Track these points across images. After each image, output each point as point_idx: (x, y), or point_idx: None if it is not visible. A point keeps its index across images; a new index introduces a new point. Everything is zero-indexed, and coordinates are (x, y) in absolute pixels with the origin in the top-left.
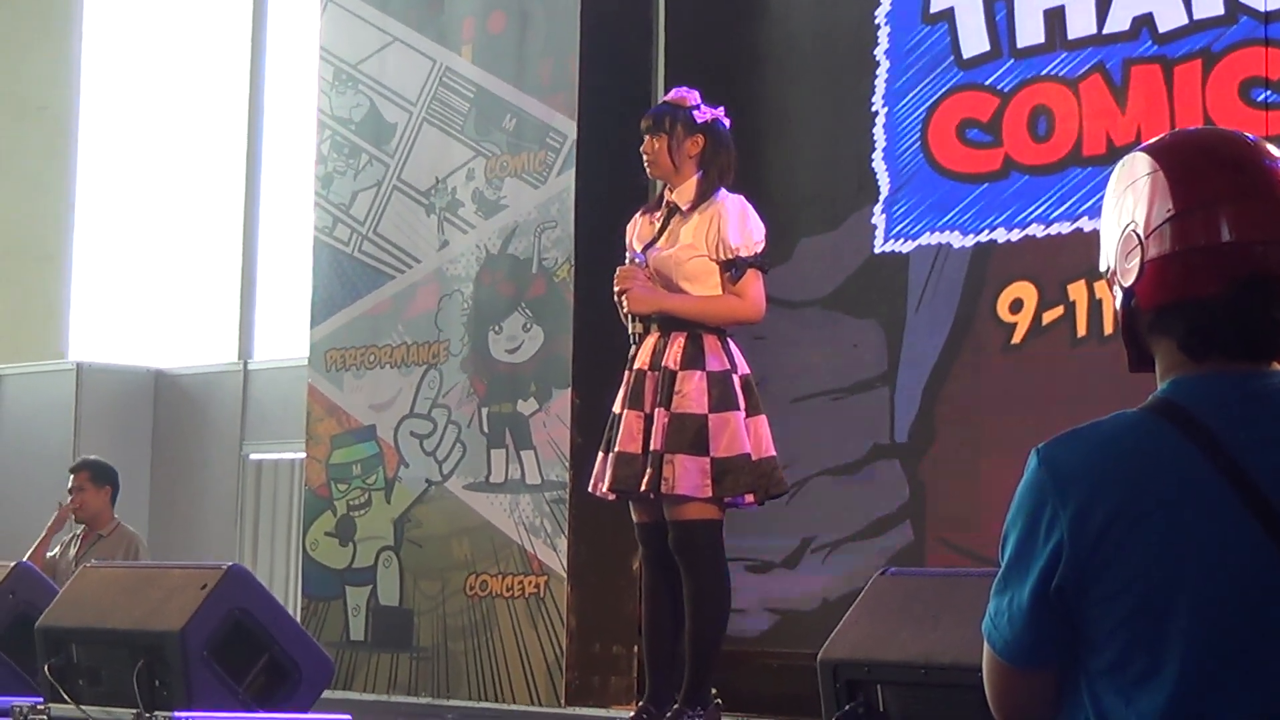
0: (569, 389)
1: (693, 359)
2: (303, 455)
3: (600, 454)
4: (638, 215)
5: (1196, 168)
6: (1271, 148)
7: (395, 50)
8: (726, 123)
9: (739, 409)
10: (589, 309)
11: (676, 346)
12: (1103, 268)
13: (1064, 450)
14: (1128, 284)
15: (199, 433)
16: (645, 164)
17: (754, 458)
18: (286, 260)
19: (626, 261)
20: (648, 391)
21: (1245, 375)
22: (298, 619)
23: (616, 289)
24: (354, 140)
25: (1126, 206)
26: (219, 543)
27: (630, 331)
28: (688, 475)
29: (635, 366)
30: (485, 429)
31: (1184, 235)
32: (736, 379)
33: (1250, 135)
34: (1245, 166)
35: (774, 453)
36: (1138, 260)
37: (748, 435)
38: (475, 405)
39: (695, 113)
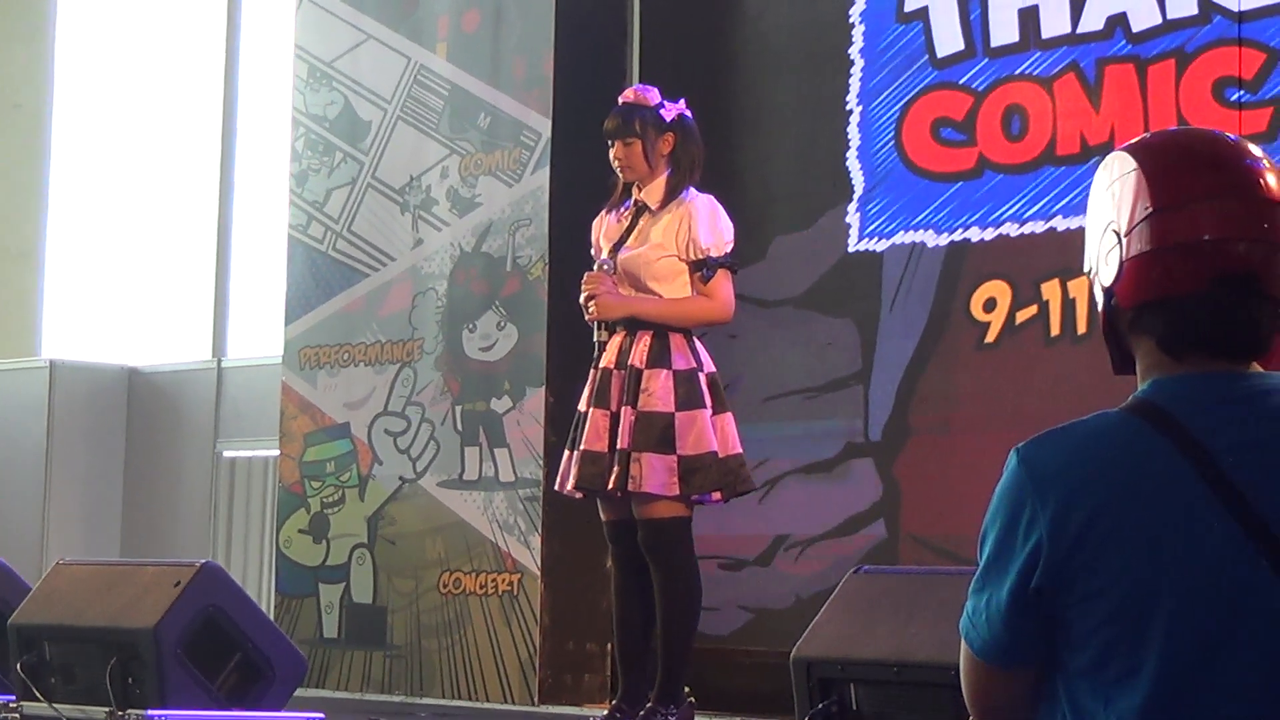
0: (543, 387)
1: (659, 357)
2: (276, 453)
3: (566, 452)
4: (603, 213)
5: (1175, 166)
6: (1251, 147)
7: (370, 48)
8: (690, 115)
9: (705, 407)
10: (563, 307)
11: (642, 345)
12: (1085, 268)
13: (1044, 450)
14: (1108, 283)
15: (173, 430)
16: (617, 169)
17: (721, 455)
18: (261, 258)
19: (593, 261)
20: (614, 390)
21: (1226, 376)
22: (271, 616)
23: (583, 295)
24: (328, 138)
25: (1107, 206)
26: (192, 540)
27: (596, 339)
28: (655, 473)
29: (601, 365)
30: (459, 427)
31: (1163, 233)
32: (702, 377)
33: (1230, 135)
34: (1224, 165)
35: (740, 450)
36: (1117, 259)
37: (714, 433)
38: (449, 403)
39: (661, 111)
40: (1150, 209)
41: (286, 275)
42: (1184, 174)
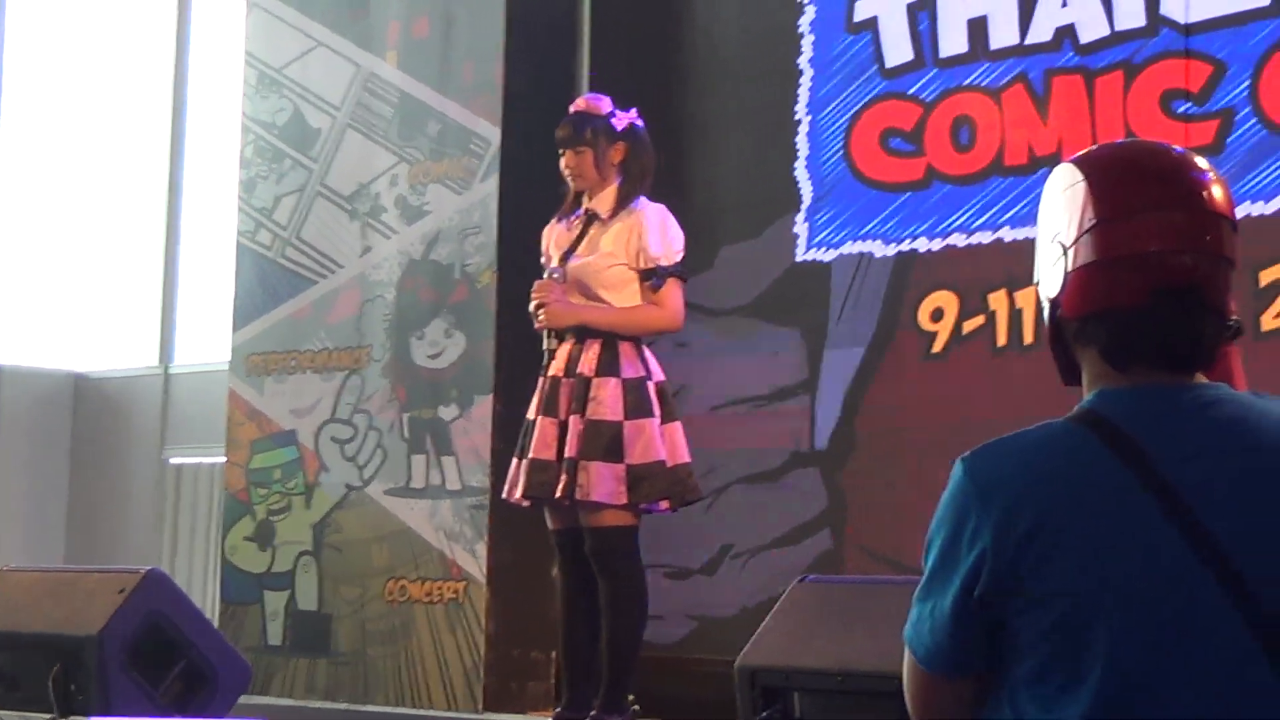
0: (490, 395)
1: (608, 366)
2: (223, 459)
3: (514, 460)
4: (553, 222)
5: (1120, 178)
6: (1198, 159)
7: (319, 55)
8: (641, 124)
9: (654, 416)
10: (511, 315)
11: (591, 353)
12: (1034, 279)
13: (989, 460)
14: (1053, 294)
15: (119, 436)
16: (568, 178)
17: (669, 464)
18: (208, 264)
19: (543, 270)
20: (562, 398)
21: (1171, 388)
22: (216, 623)
23: (533, 303)
24: (277, 145)
25: (1053, 217)
26: (138, 546)
27: (545, 347)
28: (603, 482)
29: (550, 373)
30: (406, 434)
31: (1107, 245)
32: (651, 386)
33: (1177, 147)
34: (1169, 177)
35: (689, 459)
36: (1062, 270)
37: (663, 442)
38: (396, 411)
39: (613, 120)
40: (1094, 220)
41: (234, 282)
42: (1129, 186)
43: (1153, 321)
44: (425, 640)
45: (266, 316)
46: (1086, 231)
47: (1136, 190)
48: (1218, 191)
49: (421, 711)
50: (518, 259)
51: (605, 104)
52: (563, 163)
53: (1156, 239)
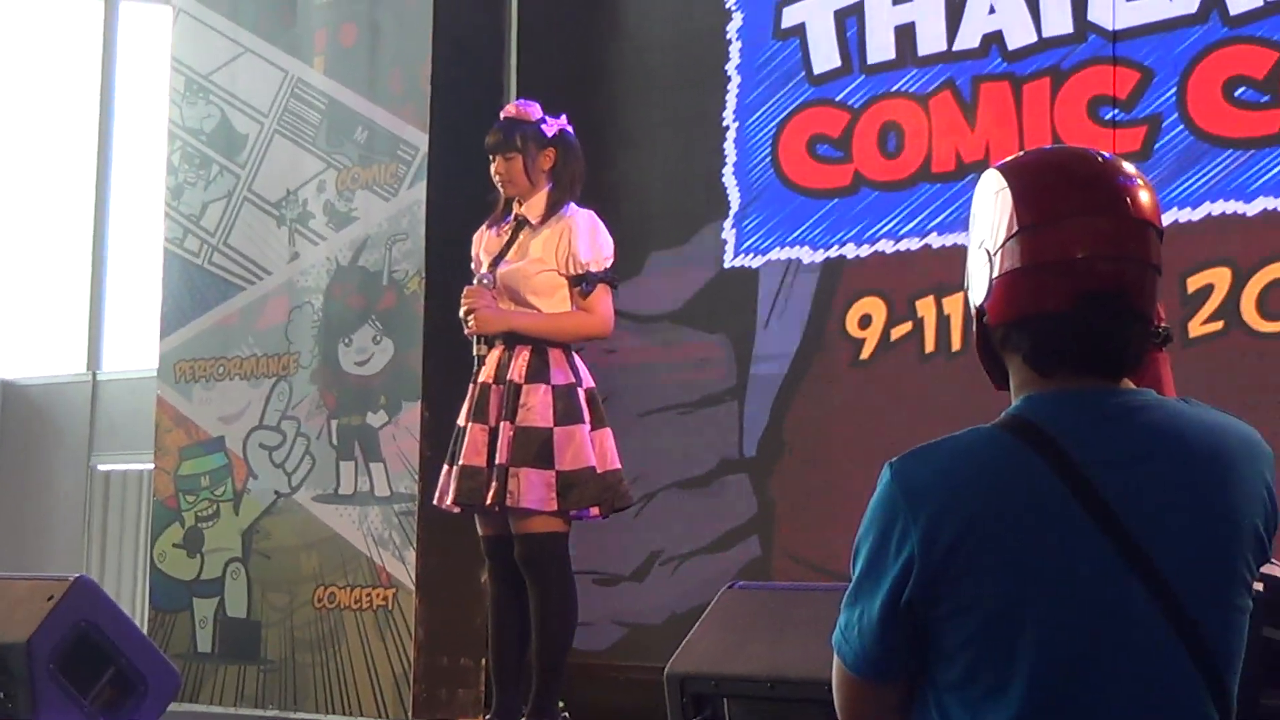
0: (419, 401)
1: (537, 372)
2: (151, 466)
3: (445, 467)
4: (483, 228)
5: (1042, 184)
6: (1125, 165)
7: (247, 61)
8: (571, 130)
9: (584, 422)
10: (439, 322)
11: (521, 360)
12: (965, 286)
13: (916, 465)
14: (979, 301)
15: (47, 443)
16: (498, 184)
17: (599, 470)
18: (136, 271)
19: (473, 275)
20: (492, 405)
21: (1098, 393)
22: (145, 630)
23: (463, 309)
24: (205, 151)
25: (979, 224)
26: (66, 553)
27: (475, 353)
28: (533, 489)
29: (480, 380)
30: (335, 441)
31: (1030, 251)
32: (581, 392)
33: (1104, 153)
34: (1094, 183)
35: (619, 465)
36: (987, 277)
37: (593, 448)
38: (325, 417)
39: (544, 126)
40: (1017, 227)
41: (162, 288)
42: (1052, 192)
43: (1078, 327)
44: (355, 647)
45: (194, 323)
46: (1011, 238)
47: (1061, 196)
48: (1144, 197)
49: (351, 718)
50: (446, 265)
51: (535, 110)
52: (493, 169)
53: (1081, 245)
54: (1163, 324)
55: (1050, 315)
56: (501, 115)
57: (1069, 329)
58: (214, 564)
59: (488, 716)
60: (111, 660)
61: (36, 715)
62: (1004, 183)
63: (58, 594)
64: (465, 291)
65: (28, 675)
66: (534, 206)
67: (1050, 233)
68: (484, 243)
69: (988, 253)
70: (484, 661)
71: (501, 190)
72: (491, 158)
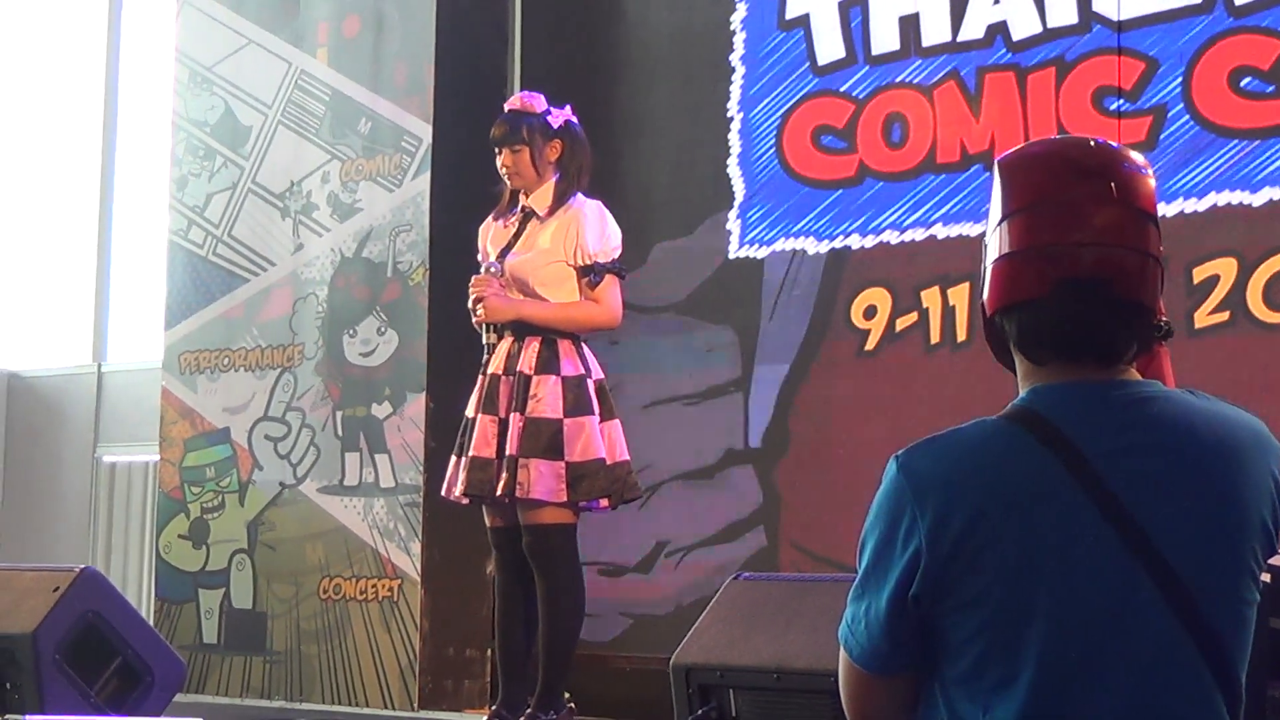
0: (423, 393)
1: (547, 364)
2: (156, 458)
3: (453, 458)
4: (490, 219)
5: (1029, 172)
6: (1124, 154)
7: (250, 52)
8: (576, 121)
9: (594, 414)
10: (443, 313)
11: (531, 351)
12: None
13: (923, 458)
14: (983, 291)
15: (52, 435)
16: (505, 177)
17: (608, 462)
18: (141, 263)
19: (480, 267)
20: (502, 396)
21: (1104, 384)
22: (150, 622)
23: (471, 298)
24: (209, 142)
25: (989, 216)
26: (72, 545)
27: (484, 342)
28: (543, 480)
29: (489, 371)
30: (339, 432)
31: (1013, 238)
32: (591, 384)
33: (1101, 141)
34: (1080, 170)
35: (628, 457)
36: (987, 266)
37: (602, 440)
38: (330, 408)
39: (549, 117)
40: (1001, 215)
41: (167, 280)
42: (1036, 179)
43: (1053, 314)
44: (360, 638)
45: (199, 314)
46: (999, 225)
47: (1043, 184)
48: (1133, 184)
49: (357, 710)
50: (450, 256)
51: (540, 102)
52: (499, 161)
53: (1058, 231)
54: (1163, 317)
55: (1030, 302)
56: (506, 107)
57: (1046, 315)
58: (219, 555)
59: (494, 707)
60: (117, 651)
61: (42, 706)
62: (999, 173)
63: (63, 585)
64: (473, 280)
65: (34, 666)
66: (541, 198)
67: (1029, 219)
68: (490, 234)
69: (985, 244)
70: (490, 652)
71: (508, 182)
72: (497, 151)
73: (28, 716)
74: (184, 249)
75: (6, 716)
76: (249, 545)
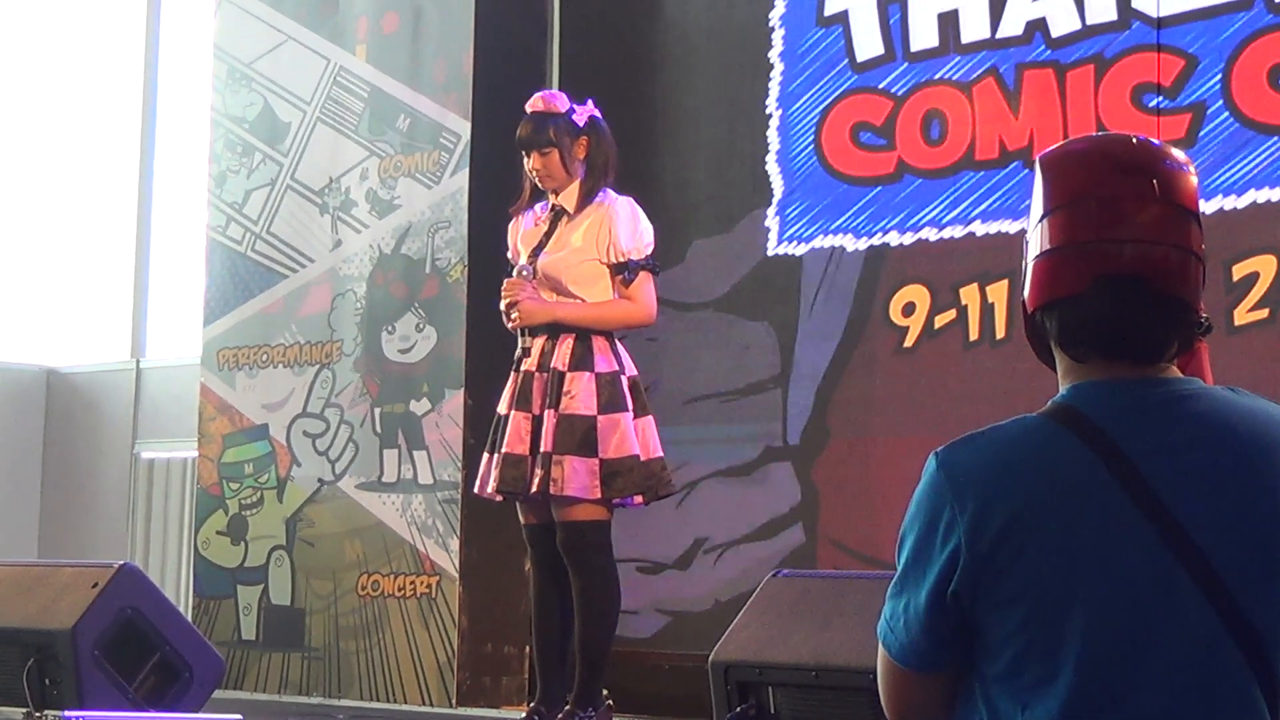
0: (461, 389)
1: (581, 360)
2: (195, 454)
3: (486, 455)
4: (518, 217)
5: (1068, 168)
6: (1164, 150)
7: (289, 49)
8: (599, 115)
9: (627, 410)
10: (482, 309)
11: (565, 348)
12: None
13: (963, 454)
14: (1024, 289)
15: (91, 431)
16: (535, 180)
17: (643, 459)
18: (179, 259)
19: (512, 268)
20: (536, 393)
21: (1144, 381)
22: (189, 618)
23: (504, 302)
24: (247, 139)
25: (1029, 214)
26: (110, 541)
27: (521, 346)
28: (577, 476)
29: (522, 368)
30: (378, 429)
31: (1052, 234)
32: (625, 380)
33: (1143, 138)
34: (1119, 166)
35: (662, 453)
36: (1028, 263)
37: (636, 436)
38: (368, 405)
39: (574, 116)
40: (1043, 211)
41: (205, 276)
42: (1075, 175)
43: (1093, 310)
44: (398, 635)
45: (238, 311)
46: (1040, 222)
47: (1085, 181)
48: (1174, 181)
49: (395, 706)
50: (488, 253)
51: (562, 100)
52: (528, 165)
53: (1099, 227)
54: (1203, 315)
55: (1070, 299)
56: (528, 109)
57: (1083, 312)
58: (258, 551)
59: (532, 704)
60: (156, 647)
61: (81, 702)
62: (1040, 170)
63: (102, 581)
64: (505, 284)
65: (73, 662)
66: (570, 196)
67: (1068, 215)
68: (520, 233)
69: (1026, 239)
70: (528, 649)
71: (539, 185)
72: (525, 154)
73: (67, 712)
74: (223, 245)
75: (46, 711)
76: (287, 541)
